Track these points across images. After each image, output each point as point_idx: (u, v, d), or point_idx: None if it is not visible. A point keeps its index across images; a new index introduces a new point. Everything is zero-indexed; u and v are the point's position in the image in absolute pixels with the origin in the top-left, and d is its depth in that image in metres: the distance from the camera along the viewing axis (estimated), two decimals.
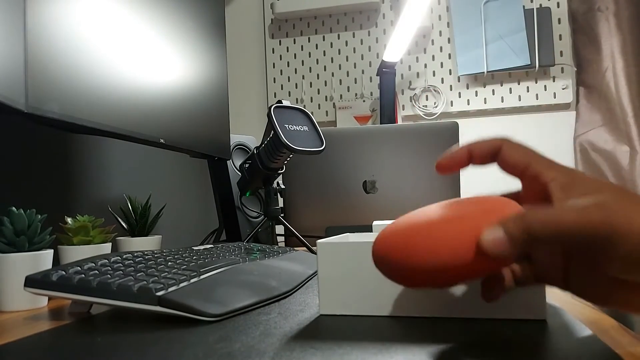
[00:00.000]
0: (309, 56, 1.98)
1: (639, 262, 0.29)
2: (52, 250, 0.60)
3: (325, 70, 1.97)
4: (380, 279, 0.45)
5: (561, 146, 1.74)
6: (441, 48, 1.90)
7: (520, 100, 1.81)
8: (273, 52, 2.01)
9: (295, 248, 0.91)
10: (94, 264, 0.51)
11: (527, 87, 1.81)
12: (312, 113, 1.50)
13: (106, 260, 0.53)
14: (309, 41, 1.99)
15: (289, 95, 1.99)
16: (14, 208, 0.58)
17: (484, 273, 0.35)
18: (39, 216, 0.59)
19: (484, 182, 1.20)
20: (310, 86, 1.98)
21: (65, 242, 0.67)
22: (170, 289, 0.46)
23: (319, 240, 0.47)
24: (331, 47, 1.97)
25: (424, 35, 1.90)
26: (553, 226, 0.30)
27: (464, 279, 0.37)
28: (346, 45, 1.96)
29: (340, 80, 1.96)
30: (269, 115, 0.92)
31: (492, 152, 0.37)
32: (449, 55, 1.89)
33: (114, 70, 0.69)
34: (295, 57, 1.99)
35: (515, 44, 1.80)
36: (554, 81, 1.80)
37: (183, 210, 1.40)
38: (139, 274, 0.48)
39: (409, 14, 1.48)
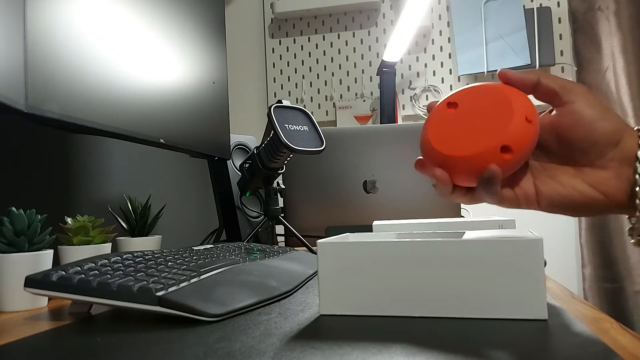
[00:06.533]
0: (309, 56, 1.98)
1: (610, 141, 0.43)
2: (52, 251, 0.60)
3: (325, 70, 1.97)
4: (380, 279, 0.45)
5: None
6: (441, 47, 1.90)
7: None
8: (273, 52, 2.01)
9: (295, 248, 0.91)
10: (94, 264, 0.51)
11: None
12: (312, 113, 1.50)
13: (106, 260, 0.53)
14: (309, 41, 1.99)
15: (289, 95, 1.98)
16: (14, 208, 0.58)
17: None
18: (39, 216, 0.59)
19: None
20: (310, 86, 1.98)
21: (65, 242, 0.67)
22: (170, 289, 0.46)
23: (319, 240, 0.47)
24: (331, 46, 1.97)
25: (424, 35, 1.90)
26: (560, 80, 0.45)
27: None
28: (346, 44, 1.96)
29: (340, 80, 1.96)
30: (269, 115, 0.92)
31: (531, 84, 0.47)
32: (449, 54, 1.89)
33: (114, 70, 0.69)
34: (295, 57, 1.99)
35: (516, 44, 1.80)
36: None
37: (183, 210, 1.40)
38: (139, 274, 0.48)
39: (409, 13, 1.48)
